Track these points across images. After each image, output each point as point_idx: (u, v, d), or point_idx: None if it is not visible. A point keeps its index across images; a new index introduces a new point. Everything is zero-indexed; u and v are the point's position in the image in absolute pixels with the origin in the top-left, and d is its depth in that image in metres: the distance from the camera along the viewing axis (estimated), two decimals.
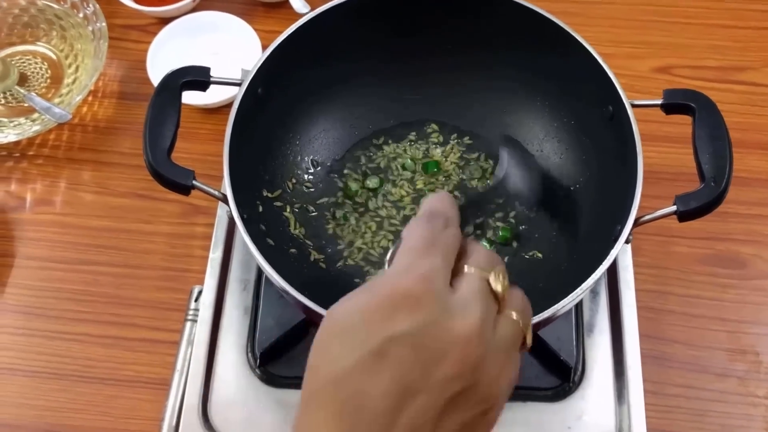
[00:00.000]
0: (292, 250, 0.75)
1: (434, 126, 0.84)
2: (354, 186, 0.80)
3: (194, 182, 0.64)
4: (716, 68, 0.99)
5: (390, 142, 0.83)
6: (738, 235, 0.88)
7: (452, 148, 0.82)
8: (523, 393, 0.72)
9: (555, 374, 0.72)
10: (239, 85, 0.69)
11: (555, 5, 1.02)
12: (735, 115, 0.94)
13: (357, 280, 0.76)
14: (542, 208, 0.78)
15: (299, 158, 0.81)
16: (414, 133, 0.84)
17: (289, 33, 0.71)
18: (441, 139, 0.83)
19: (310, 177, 0.81)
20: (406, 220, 0.79)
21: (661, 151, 0.91)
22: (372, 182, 0.80)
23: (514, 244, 0.77)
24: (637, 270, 0.79)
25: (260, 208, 0.73)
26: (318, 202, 0.80)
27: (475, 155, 0.82)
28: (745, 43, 1.01)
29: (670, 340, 0.82)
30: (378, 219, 0.79)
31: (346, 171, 0.82)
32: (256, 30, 0.98)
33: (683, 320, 0.83)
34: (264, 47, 0.96)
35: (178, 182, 0.63)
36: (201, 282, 0.79)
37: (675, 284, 0.85)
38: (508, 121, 0.81)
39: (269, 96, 0.72)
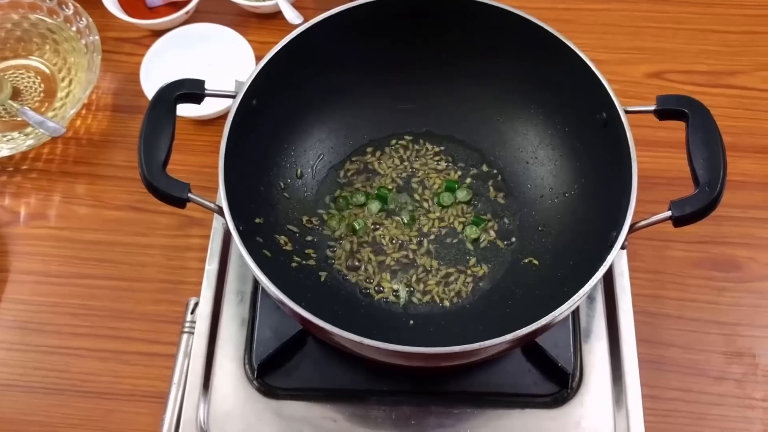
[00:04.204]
0: (289, 261, 0.75)
1: (430, 141, 0.84)
2: (352, 201, 0.81)
3: (189, 195, 0.64)
4: (708, 73, 1.00)
5: (384, 154, 0.83)
6: (733, 239, 0.88)
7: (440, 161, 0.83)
8: (521, 400, 0.72)
9: (553, 381, 0.72)
10: (233, 97, 0.69)
11: (548, 13, 1.03)
12: (727, 119, 0.94)
13: (356, 291, 0.76)
14: (537, 215, 0.79)
15: (294, 169, 0.81)
16: (410, 144, 0.84)
17: (283, 45, 0.71)
18: (436, 153, 0.84)
19: (305, 187, 0.81)
20: (404, 233, 0.79)
21: (654, 156, 0.91)
22: (373, 206, 0.80)
23: (509, 248, 0.78)
24: (633, 275, 0.79)
25: (256, 220, 0.73)
26: (314, 212, 0.80)
27: (474, 171, 0.83)
28: (735, 47, 1.01)
29: (666, 344, 0.82)
30: (375, 233, 0.79)
31: (340, 180, 0.82)
32: (249, 41, 0.98)
33: (680, 324, 0.83)
34: (258, 58, 0.96)
35: (173, 195, 0.63)
36: (197, 294, 0.79)
37: (671, 288, 0.85)
38: (502, 129, 0.82)
39: (264, 107, 0.72)
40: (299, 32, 0.72)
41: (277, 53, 0.71)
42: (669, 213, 0.62)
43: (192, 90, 0.68)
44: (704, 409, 0.79)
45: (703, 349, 0.82)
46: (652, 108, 0.67)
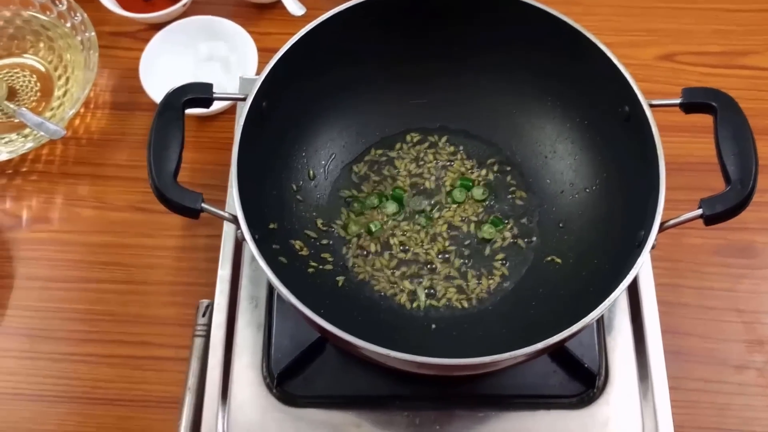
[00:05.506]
0: (305, 267, 0.73)
1: (445, 136, 0.82)
2: (367, 203, 0.79)
3: (203, 205, 0.61)
4: (720, 53, 0.98)
5: (397, 151, 0.81)
6: (750, 224, 0.87)
7: (461, 158, 0.81)
8: (546, 401, 0.71)
9: (579, 380, 0.71)
10: (243, 100, 0.66)
11: None
12: (742, 101, 0.90)
13: (375, 295, 0.74)
14: (558, 211, 0.77)
15: (306, 170, 0.79)
16: (423, 141, 0.82)
17: (291, 44, 0.68)
18: (451, 149, 0.82)
19: (318, 189, 0.79)
20: (421, 234, 0.77)
21: (670, 141, 0.88)
22: (389, 208, 0.78)
23: (530, 246, 0.76)
24: (652, 264, 0.78)
25: (270, 225, 0.71)
26: (328, 214, 0.78)
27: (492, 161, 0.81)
28: (747, 26, 0.99)
29: (686, 333, 0.81)
30: (392, 235, 0.77)
31: (353, 180, 0.80)
32: (249, 32, 0.95)
33: (699, 313, 0.82)
34: (259, 49, 0.94)
35: (186, 206, 0.61)
36: (208, 296, 0.78)
37: (689, 277, 0.84)
38: (518, 122, 0.79)
39: (273, 109, 0.69)
40: (307, 30, 0.69)
41: (286, 53, 0.68)
42: (700, 211, 0.60)
43: (200, 94, 0.66)
44: (727, 399, 0.78)
45: (724, 338, 0.81)
46: (678, 101, 0.65)
